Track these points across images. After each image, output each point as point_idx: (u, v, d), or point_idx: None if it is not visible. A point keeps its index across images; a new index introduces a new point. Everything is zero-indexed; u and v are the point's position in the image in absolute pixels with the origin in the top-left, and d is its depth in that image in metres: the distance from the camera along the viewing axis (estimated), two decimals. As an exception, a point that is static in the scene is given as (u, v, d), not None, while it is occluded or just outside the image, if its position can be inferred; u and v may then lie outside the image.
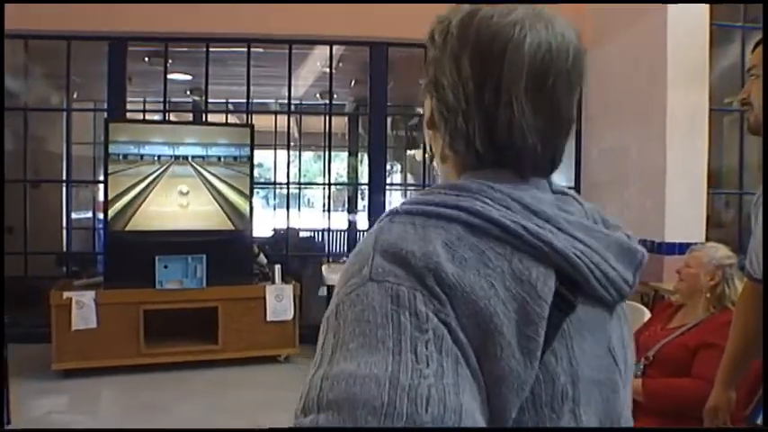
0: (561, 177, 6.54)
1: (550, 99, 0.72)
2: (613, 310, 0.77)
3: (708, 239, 4.70)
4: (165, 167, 5.20)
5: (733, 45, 5.41)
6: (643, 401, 2.38)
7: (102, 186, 5.70)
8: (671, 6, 4.73)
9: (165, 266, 5.01)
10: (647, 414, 2.37)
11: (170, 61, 6.22)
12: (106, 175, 5.06)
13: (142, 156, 5.14)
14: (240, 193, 5.36)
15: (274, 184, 7.85)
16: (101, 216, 7.09)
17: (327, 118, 7.21)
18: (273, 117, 8.60)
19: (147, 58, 6.73)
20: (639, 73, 5.14)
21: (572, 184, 6.33)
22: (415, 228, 0.66)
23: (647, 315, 3.05)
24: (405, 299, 0.60)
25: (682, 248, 3.87)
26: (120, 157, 5.08)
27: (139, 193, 5.11)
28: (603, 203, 5.72)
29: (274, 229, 7.67)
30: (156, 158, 5.16)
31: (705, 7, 4.79)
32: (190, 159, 5.25)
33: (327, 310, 0.65)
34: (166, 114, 6.50)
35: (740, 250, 5.07)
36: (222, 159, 5.35)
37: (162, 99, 6.15)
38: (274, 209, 9.76)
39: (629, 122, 5.33)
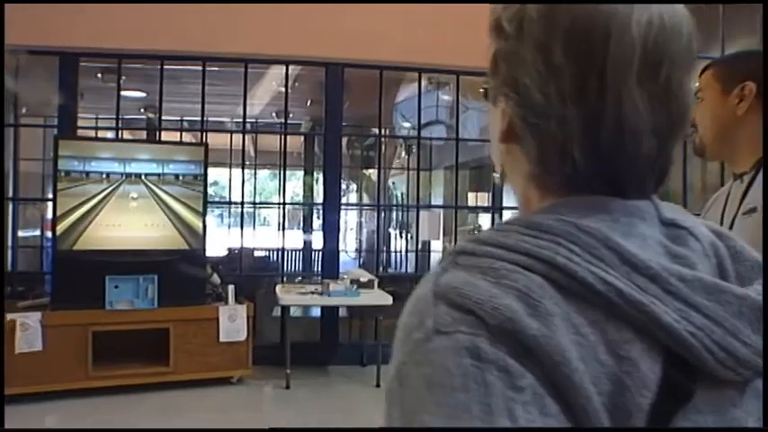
0: (512, 199, 6.67)
1: (666, 89, 0.58)
2: (747, 386, 0.57)
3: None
4: (116, 185, 5.12)
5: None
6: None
7: (50, 204, 5.57)
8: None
9: (116, 286, 4.91)
10: None
11: (123, 78, 6.14)
12: (55, 192, 4.96)
13: (90, 173, 5.06)
14: (193, 212, 5.31)
15: (229, 203, 7.78)
16: (49, 234, 6.93)
17: (283, 137, 7.20)
18: (229, 135, 8.56)
19: (99, 74, 6.64)
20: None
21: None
22: (484, 273, 0.53)
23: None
24: (487, 351, 0.49)
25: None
26: (70, 175, 4.99)
27: (89, 212, 5.02)
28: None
29: (228, 249, 7.60)
30: (106, 176, 5.09)
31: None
32: (142, 177, 5.19)
33: (388, 379, 0.54)
34: (120, 132, 6.40)
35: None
36: (175, 178, 5.29)
37: (115, 116, 6.06)
38: (229, 228, 9.67)
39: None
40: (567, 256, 0.53)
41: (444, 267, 0.57)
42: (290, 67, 6.26)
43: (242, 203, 6.56)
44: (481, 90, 0.72)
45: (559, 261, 0.53)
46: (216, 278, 5.53)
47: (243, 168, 6.63)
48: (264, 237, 10.64)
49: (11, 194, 6.65)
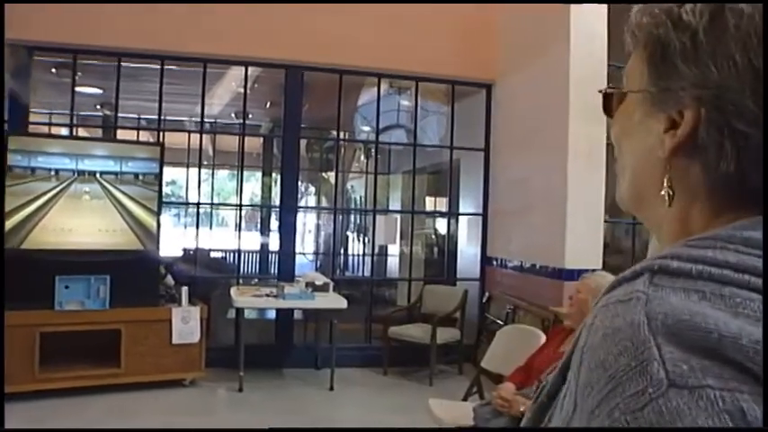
0: (469, 205, 6.78)
1: None
2: None
3: (608, 265, 4.98)
4: (67, 183, 5.02)
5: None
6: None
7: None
8: (573, 45, 5.02)
9: (66, 287, 4.82)
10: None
11: (79, 74, 6.03)
12: (2, 189, 4.83)
13: (42, 171, 4.96)
14: (148, 211, 5.25)
15: (186, 204, 7.68)
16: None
17: (242, 138, 7.15)
18: (187, 135, 8.46)
19: (54, 69, 6.49)
20: (543, 107, 5.42)
21: (480, 212, 6.56)
22: (710, 300, 0.43)
23: (543, 339, 3.22)
24: (757, 413, 0.38)
25: (580, 275, 4.11)
26: (20, 172, 4.87)
27: (40, 210, 4.92)
28: (509, 231, 5.96)
29: (184, 249, 7.52)
30: (57, 174, 4.99)
31: (604, 48, 5.11)
32: (96, 176, 5.10)
33: None
34: (74, 129, 6.27)
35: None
36: (130, 177, 5.23)
37: (67, 112, 5.94)
38: (185, 227, 9.55)
39: (533, 154, 5.59)
40: None
41: (644, 291, 0.45)
42: (251, 69, 6.23)
43: (198, 204, 6.50)
44: (604, 92, 0.64)
45: None
46: (170, 279, 5.48)
47: (200, 168, 6.58)
48: (221, 237, 10.54)
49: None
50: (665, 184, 0.55)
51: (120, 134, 6.66)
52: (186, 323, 5.13)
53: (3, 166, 4.59)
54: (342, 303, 5.44)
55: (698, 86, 0.51)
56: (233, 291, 5.67)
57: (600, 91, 0.65)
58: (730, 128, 0.50)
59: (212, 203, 9.37)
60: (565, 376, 0.52)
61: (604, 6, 5.10)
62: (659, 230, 0.59)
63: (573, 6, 5.04)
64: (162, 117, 6.04)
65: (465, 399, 3.74)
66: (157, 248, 5.32)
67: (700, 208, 0.54)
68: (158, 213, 5.30)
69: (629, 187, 0.61)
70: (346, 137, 8.73)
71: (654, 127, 0.55)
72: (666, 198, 0.55)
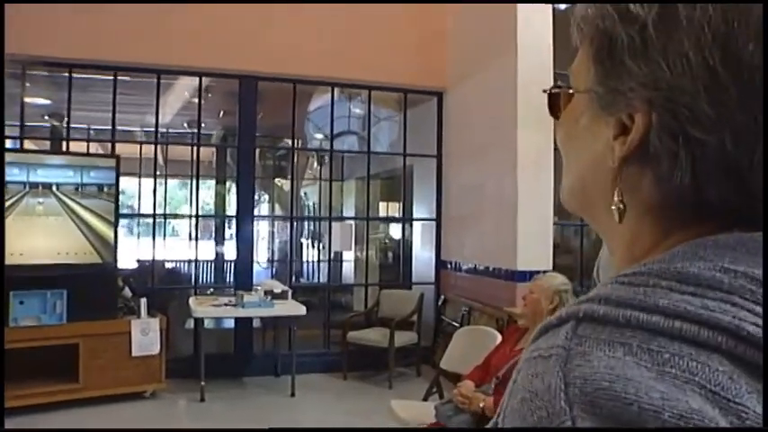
0: (423, 211, 6.94)
1: None
2: None
3: (558, 265, 5.20)
4: (20, 197, 4.96)
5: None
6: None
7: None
8: (520, 54, 5.22)
9: (21, 302, 4.77)
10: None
11: (27, 84, 5.95)
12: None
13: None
14: (105, 223, 5.23)
15: (139, 215, 7.63)
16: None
17: (196, 149, 7.14)
18: (138, 144, 8.40)
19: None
20: (492, 113, 5.61)
21: (433, 217, 6.72)
22: (636, 355, 0.39)
23: (498, 338, 3.38)
24: None
25: (532, 276, 4.29)
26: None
27: (-8, 225, 4.84)
28: (462, 235, 6.14)
29: (138, 261, 7.46)
30: (11, 187, 4.92)
31: (550, 57, 5.32)
32: (52, 189, 5.06)
33: None
34: (22, 140, 6.17)
35: (582, 273, 5.69)
36: (85, 190, 5.19)
37: (16, 123, 5.85)
38: (138, 238, 9.45)
39: (483, 159, 5.78)
40: (754, 323, 0.39)
41: (565, 346, 0.42)
42: (202, 78, 6.25)
43: (154, 215, 6.47)
44: (550, 92, 0.58)
45: (749, 330, 0.38)
46: (127, 291, 5.46)
47: (155, 179, 6.56)
48: (174, 248, 10.44)
49: None
50: (615, 198, 0.50)
51: (71, 145, 6.58)
52: (146, 335, 5.13)
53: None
54: (301, 310, 5.52)
55: (648, 87, 0.46)
56: (191, 301, 5.68)
57: (545, 90, 0.59)
58: (685, 134, 0.44)
59: (166, 214, 9.30)
60: None
61: (550, 17, 5.33)
62: (609, 242, 0.55)
63: (520, 16, 5.24)
64: (115, 128, 5.99)
65: (425, 399, 3.87)
66: (115, 261, 5.30)
67: (650, 224, 0.49)
68: (116, 225, 5.29)
69: (574, 195, 0.56)
70: (299, 144, 8.81)
71: (602, 132, 0.50)
72: (616, 214, 0.50)
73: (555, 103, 0.57)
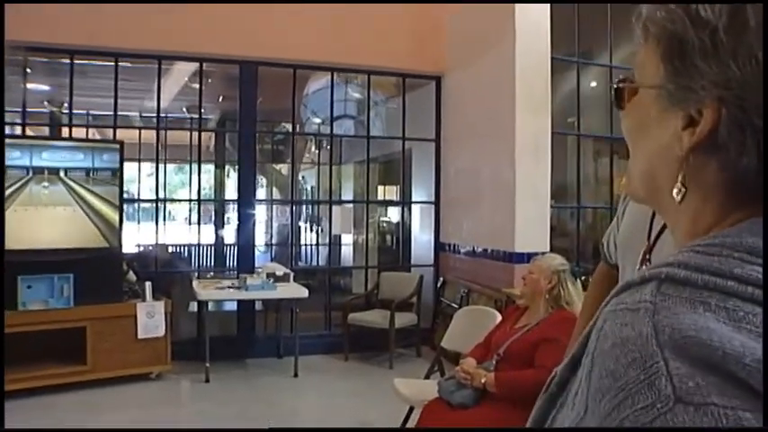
0: (422, 194, 7.02)
1: None
2: None
3: (555, 247, 5.30)
4: (25, 182, 5.02)
5: (570, 75, 6.10)
6: (496, 392, 2.79)
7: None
8: (518, 40, 5.28)
9: (29, 286, 4.85)
10: (499, 402, 2.77)
11: (28, 71, 5.99)
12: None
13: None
14: (109, 209, 5.29)
15: (139, 200, 7.68)
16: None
17: (197, 134, 7.19)
18: (138, 130, 8.44)
19: (0, 67, 6.40)
20: (490, 99, 5.68)
21: (432, 200, 6.81)
22: (715, 312, 0.45)
23: (498, 318, 3.50)
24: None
25: (529, 258, 4.39)
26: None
27: (-1, 211, 4.91)
28: (461, 218, 6.23)
29: (139, 245, 7.53)
30: (16, 174, 4.98)
31: (547, 41, 5.39)
32: (57, 175, 5.12)
33: None
34: (24, 127, 6.22)
35: (578, 254, 5.80)
36: (89, 175, 5.25)
37: (17, 110, 5.90)
38: (138, 223, 9.52)
39: (482, 143, 5.85)
40: None
41: (652, 300, 0.47)
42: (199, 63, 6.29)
43: (156, 200, 6.55)
44: (616, 86, 0.63)
45: None
46: (132, 275, 5.54)
47: (157, 164, 6.63)
48: (173, 232, 10.51)
49: None
50: (678, 181, 0.56)
51: (72, 131, 6.63)
52: (151, 317, 5.22)
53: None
54: (303, 292, 5.61)
55: (719, 86, 0.51)
56: (195, 284, 5.77)
57: (612, 85, 0.64)
58: (752, 126, 0.50)
59: (168, 199, 9.36)
60: (574, 369, 0.54)
61: (547, 2, 5.38)
62: (673, 224, 0.60)
63: (518, 3, 5.30)
64: (116, 113, 6.05)
65: (427, 377, 3.98)
66: (120, 245, 5.38)
67: (712, 205, 0.55)
68: (120, 209, 5.36)
69: (644, 182, 0.62)
70: (297, 128, 8.84)
71: (671, 123, 0.55)
72: (678, 196, 0.56)
73: (620, 97, 0.62)
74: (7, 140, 5.48)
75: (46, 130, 8.08)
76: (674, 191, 0.56)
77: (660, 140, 0.57)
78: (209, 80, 7.19)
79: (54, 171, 5.12)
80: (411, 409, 3.65)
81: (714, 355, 0.42)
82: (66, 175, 5.15)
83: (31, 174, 5.05)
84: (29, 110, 7.66)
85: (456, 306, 5.72)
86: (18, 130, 6.32)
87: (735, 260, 0.47)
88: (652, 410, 0.41)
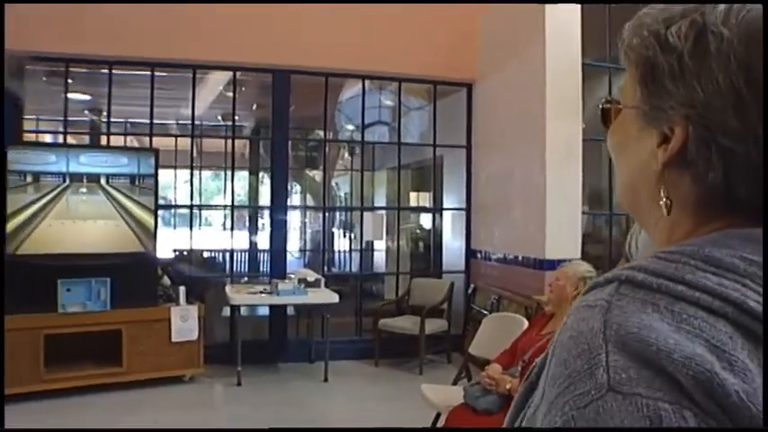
0: (453, 200, 7.02)
1: None
2: None
3: (589, 254, 5.26)
4: (66, 190, 5.18)
5: (603, 81, 6.04)
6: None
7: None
8: (549, 45, 5.26)
9: (68, 290, 4.99)
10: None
11: (70, 81, 6.18)
12: (4, 198, 4.98)
13: (40, 178, 5.11)
14: (145, 215, 5.42)
15: (175, 206, 7.84)
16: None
17: (231, 141, 7.31)
18: (174, 137, 8.62)
19: (44, 78, 6.63)
20: (521, 104, 5.66)
21: (463, 206, 6.81)
22: (661, 313, 0.49)
23: (525, 324, 3.49)
24: (671, 422, 0.44)
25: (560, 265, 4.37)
26: (19, 180, 5.02)
27: (40, 216, 5.07)
28: (492, 225, 6.21)
29: (175, 250, 7.68)
30: (57, 181, 5.14)
31: (578, 47, 5.36)
32: (95, 182, 5.27)
33: (546, 424, 0.49)
34: (65, 135, 6.41)
35: (611, 262, 5.73)
36: (126, 182, 5.39)
37: (59, 118, 6.11)
38: (174, 228, 9.71)
39: (512, 149, 5.84)
40: (757, 301, 0.48)
41: (608, 300, 0.52)
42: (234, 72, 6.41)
43: (191, 206, 6.67)
44: (602, 107, 0.68)
45: (751, 305, 0.48)
46: (166, 280, 5.66)
47: (192, 171, 6.75)
48: (208, 237, 10.68)
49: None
50: (662, 195, 0.60)
51: (110, 139, 6.81)
52: (185, 321, 5.32)
53: (3, 169, 4.73)
54: (334, 298, 5.66)
55: (685, 105, 0.56)
56: (228, 289, 5.86)
57: (598, 105, 0.69)
58: (717, 143, 0.54)
59: (203, 205, 9.53)
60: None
61: (578, 7, 5.36)
62: (652, 233, 0.64)
63: (548, 7, 5.28)
64: (152, 121, 6.19)
65: (455, 383, 3.98)
66: (155, 250, 5.50)
67: (687, 217, 0.59)
68: (155, 218, 5.49)
69: (627, 194, 0.66)
70: (330, 135, 8.93)
71: (648, 141, 0.60)
72: (664, 208, 0.60)
73: (606, 116, 0.68)
74: (48, 148, 5.68)
75: (86, 138, 8.32)
76: (661, 203, 0.60)
77: (639, 156, 0.62)
78: (243, 88, 7.31)
79: (92, 177, 5.27)
80: (438, 415, 3.66)
81: (649, 350, 0.46)
82: (104, 181, 5.29)
83: (68, 181, 5.19)
84: (70, 119, 7.92)
85: (486, 312, 5.70)
86: (60, 138, 6.53)
87: (689, 267, 0.52)
88: (587, 396, 0.46)
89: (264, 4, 5.78)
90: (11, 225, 4.98)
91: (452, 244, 7.21)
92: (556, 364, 0.51)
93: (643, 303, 0.50)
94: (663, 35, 0.58)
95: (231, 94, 6.51)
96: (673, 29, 0.57)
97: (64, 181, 5.19)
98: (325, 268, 9.75)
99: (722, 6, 0.55)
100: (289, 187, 8.05)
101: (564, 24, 5.28)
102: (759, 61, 0.52)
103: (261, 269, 8.89)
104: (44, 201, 5.10)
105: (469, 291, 6.52)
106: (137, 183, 5.42)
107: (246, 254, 9.83)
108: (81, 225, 5.23)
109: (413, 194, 9.96)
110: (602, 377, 0.46)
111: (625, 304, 0.51)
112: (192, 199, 6.77)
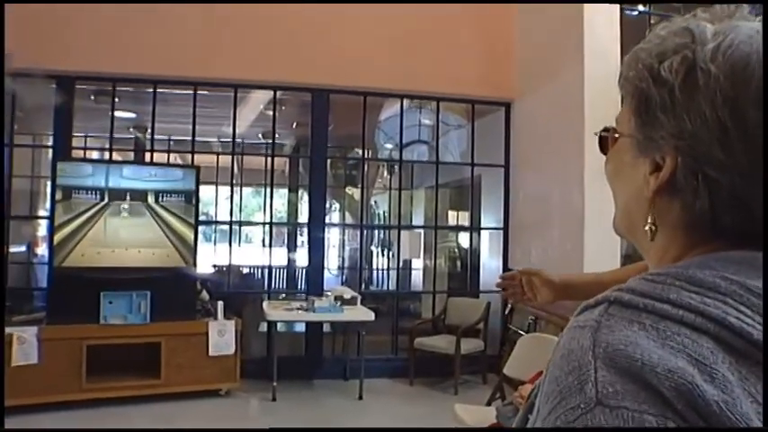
0: (491, 219, 6.98)
1: None
2: None
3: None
4: (110, 205, 5.33)
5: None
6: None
7: (42, 222, 5.74)
8: (587, 63, 5.22)
9: (110, 302, 5.11)
10: None
11: (116, 99, 6.37)
12: (53, 211, 5.15)
13: (86, 193, 5.26)
14: (185, 230, 5.53)
15: (216, 222, 7.97)
16: (39, 251, 7.08)
17: (271, 159, 7.42)
18: (215, 154, 8.79)
19: (92, 96, 6.85)
20: (560, 124, 5.62)
21: (501, 226, 6.76)
22: (647, 331, 0.52)
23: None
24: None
25: (598, 286, 4.29)
26: (66, 194, 5.19)
27: (85, 229, 5.22)
28: (529, 244, 6.15)
29: (215, 266, 7.80)
30: (101, 196, 5.29)
31: (617, 66, 5.27)
32: (136, 198, 5.40)
33: None
34: (111, 152, 6.60)
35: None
36: (168, 197, 5.52)
37: (105, 135, 6.30)
38: (215, 244, 9.86)
39: (551, 169, 5.79)
40: (737, 317, 0.51)
41: (597, 320, 0.54)
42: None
43: (231, 222, 6.78)
44: (600, 135, 0.72)
45: (732, 321, 0.51)
46: (205, 294, 5.75)
47: (232, 188, 6.86)
48: (247, 254, 10.81)
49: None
50: (648, 221, 0.63)
51: (154, 156, 6.99)
52: (222, 336, 5.39)
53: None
54: (369, 316, 5.67)
55: (675, 136, 0.59)
56: (265, 305, 5.92)
57: (596, 133, 0.73)
58: (703, 174, 0.57)
59: (242, 221, 9.67)
60: None
61: (617, 25, 5.31)
62: (647, 258, 0.67)
63: (587, 26, 5.25)
64: (194, 139, 6.34)
65: (488, 404, 3.94)
66: (194, 266, 5.60)
67: (677, 241, 0.62)
68: (195, 235, 5.60)
69: (622, 219, 0.69)
70: (369, 154, 8.99)
71: (641, 168, 0.63)
72: (649, 233, 0.63)
73: (603, 143, 0.71)
74: (92, 164, 5.83)
75: (131, 155, 8.54)
76: (646, 228, 0.64)
77: (633, 183, 0.65)
78: (284, 107, 7.43)
79: (136, 192, 5.40)
80: (472, 436, 3.62)
81: (634, 365, 0.48)
82: (143, 197, 5.43)
83: (116, 197, 5.34)
84: (116, 136, 8.16)
85: (523, 333, 5.62)
86: (106, 155, 6.73)
87: (674, 288, 0.54)
88: (577, 410, 0.48)
89: (301, 18, 5.89)
90: (58, 236, 5.13)
91: (490, 263, 7.16)
92: (549, 382, 0.53)
93: (630, 322, 0.53)
94: (656, 69, 0.60)
95: (271, 112, 6.61)
96: (665, 63, 0.60)
97: (111, 197, 5.32)
98: (363, 286, 9.77)
99: (711, 44, 0.58)
100: (327, 205, 8.12)
101: (603, 42, 5.24)
102: (744, 97, 0.55)
103: (298, 286, 8.96)
104: (90, 215, 5.24)
105: (506, 311, 6.44)
106: (179, 200, 5.54)
107: (284, 270, 9.91)
108: (123, 239, 5.37)
109: (451, 213, 9.92)
110: (590, 392, 0.48)
111: (613, 323, 0.53)
112: (231, 215, 6.87)
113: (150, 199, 5.45)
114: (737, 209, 0.57)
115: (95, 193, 5.29)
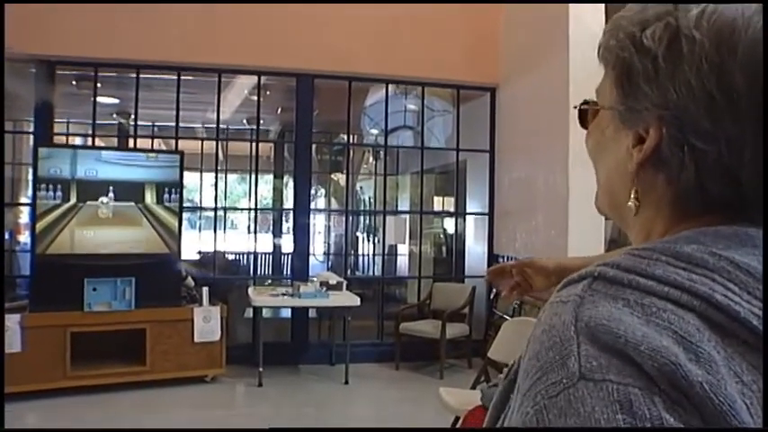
0: (476, 205, 7.00)
1: None
2: None
3: (613, 260, 5.16)
4: (93, 191, 5.28)
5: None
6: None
7: (24, 209, 5.69)
8: (572, 49, 5.23)
9: (94, 289, 5.08)
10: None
11: (98, 85, 6.29)
12: (34, 198, 5.10)
13: (68, 179, 5.21)
14: (169, 217, 5.50)
15: (201, 208, 7.93)
16: (21, 239, 7.02)
17: (256, 145, 7.39)
18: (200, 140, 8.73)
19: (74, 82, 6.76)
20: (544, 109, 5.63)
21: (486, 211, 6.78)
22: (632, 307, 0.50)
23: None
24: (641, 405, 0.44)
25: (582, 270, 4.32)
26: (48, 181, 5.13)
27: (68, 216, 5.17)
28: (514, 230, 6.18)
29: (200, 252, 7.76)
30: (84, 182, 5.24)
31: (603, 52, 5.30)
32: (119, 185, 5.36)
33: (521, 416, 0.49)
34: (94, 138, 6.53)
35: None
36: (152, 184, 5.47)
37: (87, 121, 6.22)
38: (200, 231, 9.80)
39: (536, 154, 5.81)
40: (724, 294, 0.49)
41: (581, 295, 0.52)
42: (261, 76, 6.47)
43: (215, 209, 6.75)
44: (579, 108, 0.69)
45: (718, 299, 0.49)
46: (190, 280, 5.73)
47: (216, 174, 6.84)
48: (233, 240, 10.78)
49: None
50: (631, 196, 0.61)
51: (138, 142, 6.93)
52: (207, 322, 5.38)
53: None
54: (355, 301, 5.68)
55: (659, 107, 0.56)
56: (251, 291, 5.92)
57: (575, 106, 0.70)
58: (689, 144, 0.55)
59: (227, 207, 9.62)
60: None
61: (602, 11, 5.32)
62: (631, 234, 0.65)
63: (572, 12, 5.25)
64: (178, 125, 6.28)
65: (473, 387, 3.97)
66: (179, 252, 5.58)
67: (663, 216, 0.60)
68: (179, 220, 5.56)
69: (605, 196, 0.67)
70: (355, 139, 8.96)
71: (623, 142, 0.60)
72: (633, 208, 0.61)
73: (584, 117, 0.69)
74: (73, 150, 5.77)
75: (114, 141, 8.46)
76: (630, 204, 0.61)
77: (616, 157, 0.63)
78: (268, 93, 7.37)
79: (117, 181, 5.36)
80: (457, 419, 3.65)
81: (618, 341, 0.47)
82: (126, 184, 5.38)
83: (99, 183, 5.29)
84: (99, 122, 8.07)
85: (508, 317, 5.67)
86: (89, 141, 6.65)
87: (660, 263, 0.52)
88: (560, 385, 0.47)
89: (288, 4, 5.85)
90: (40, 225, 5.09)
91: (475, 248, 7.19)
92: (529, 358, 0.51)
93: (614, 298, 0.51)
94: (638, 38, 0.58)
95: (256, 98, 6.57)
96: (648, 31, 0.58)
97: (94, 183, 5.27)
98: (349, 272, 9.78)
99: (695, 10, 0.56)
100: (313, 191, 8.10)
101: (587, 29, 5.25)
102: (730, 64, 0.53)
103: (284, 272, 8.95)
104: (72, 202, 5.19)
105: (491, 295, 6.49)
106: (162, 186, 5.50)
107: (270, 256, 9.90)
108: (107, 226, 5.32)
109: (436, 199, 9.93)
110: (573, 366, 0.47)
111: (597, 299, 0.51)
112: (216, 201, 6.85)
113: (135, 186, 5.40)
114: (725, 180, 0.55)
115: (79, 180, 5.23)
